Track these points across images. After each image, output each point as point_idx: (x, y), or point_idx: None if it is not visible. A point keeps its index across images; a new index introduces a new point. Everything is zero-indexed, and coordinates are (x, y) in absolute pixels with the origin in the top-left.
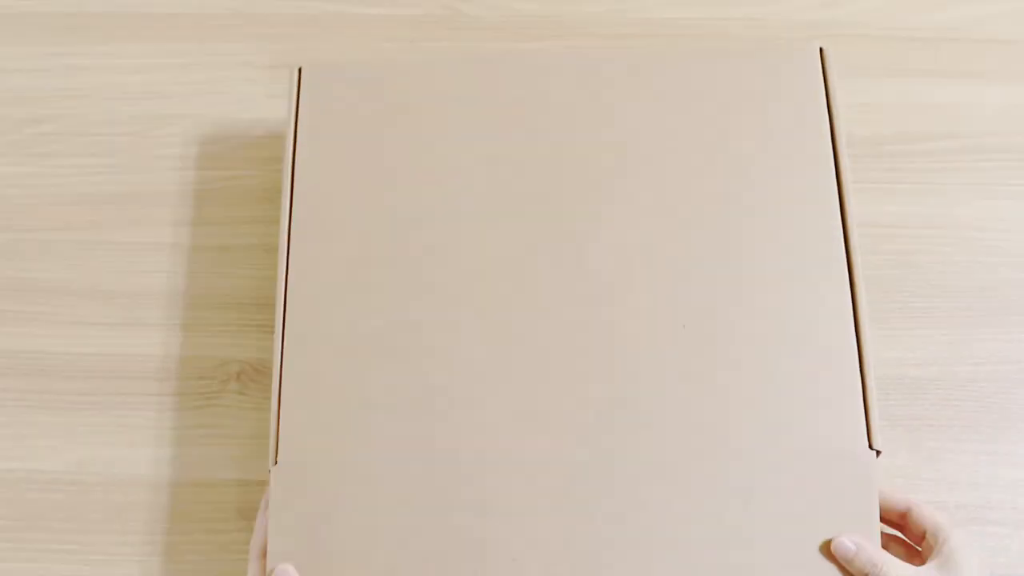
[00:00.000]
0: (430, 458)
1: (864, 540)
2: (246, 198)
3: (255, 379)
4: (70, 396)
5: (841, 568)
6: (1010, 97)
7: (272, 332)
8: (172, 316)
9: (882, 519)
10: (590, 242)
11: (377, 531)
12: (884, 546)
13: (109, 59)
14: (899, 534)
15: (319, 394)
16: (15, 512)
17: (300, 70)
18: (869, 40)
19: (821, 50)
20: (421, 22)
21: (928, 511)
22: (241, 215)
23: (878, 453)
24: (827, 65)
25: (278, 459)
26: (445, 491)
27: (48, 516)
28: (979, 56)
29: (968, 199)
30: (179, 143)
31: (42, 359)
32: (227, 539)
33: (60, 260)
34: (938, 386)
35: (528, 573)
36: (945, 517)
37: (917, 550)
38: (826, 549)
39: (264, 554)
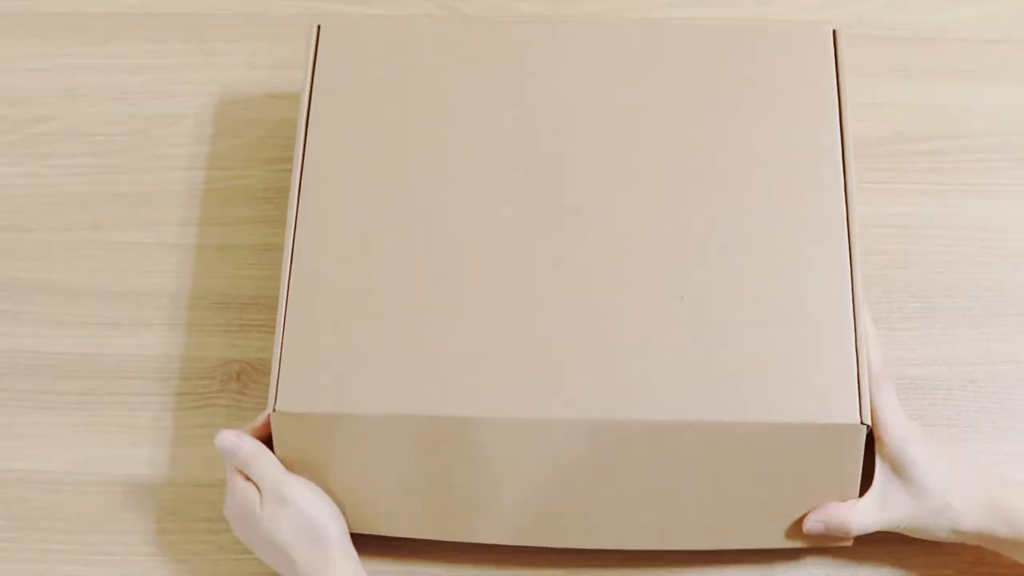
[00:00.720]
0: (430, 407)
1: (826, 511)
2: (246, 198)
3: (255, 379)
4: (70, 396)
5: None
6: (1010, 97)
7: (272, 333)
8: (172, 316)
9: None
10: (592, 222)
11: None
12: None
13: (109, 59)
14: None
15: (322, 344)
16: (15, 512)
17: (319, 28)
18: (869, 40)
19: (834, 32)
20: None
21: (890, 422)
22: (241, 215)
23: (869, 428)
24: (839, 48)
25: (276, 405)
26: (450, 453)
27: (48, 516)
28: (979, 56)
29: (968, 199)
30: (179, 143)
31: (42, 359)
32: (227, 539)
33: (60, 260)
34: (938, 386)
35: None
36: (905, 426)
37: None
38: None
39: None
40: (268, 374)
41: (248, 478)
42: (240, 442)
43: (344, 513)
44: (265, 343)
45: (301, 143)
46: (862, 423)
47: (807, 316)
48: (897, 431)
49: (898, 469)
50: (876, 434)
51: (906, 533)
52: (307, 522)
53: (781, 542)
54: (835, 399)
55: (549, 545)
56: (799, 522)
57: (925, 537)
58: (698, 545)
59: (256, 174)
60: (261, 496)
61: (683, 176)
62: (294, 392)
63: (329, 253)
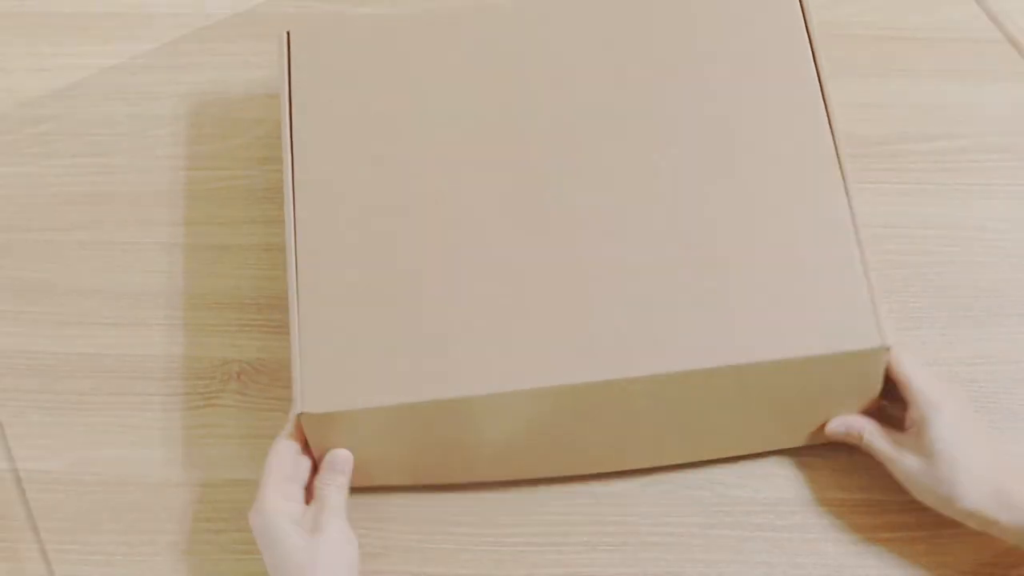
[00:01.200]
0: (442, 403)
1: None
2: (246, 198)
3: (255, 379)
4: (70, 396)
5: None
6: (1010, 97)
7: (272, 333)
8: (172, 316)
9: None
10: (592, 188)
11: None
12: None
13: (109, 59)
14: None
15: (336, 338)
16: (15, 512)
17: (288, 34)
18: (869, 40)
19: None
20: None
21: (920, 388)
22: (241, 215)
23: (888, 350)
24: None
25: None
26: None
27: (48, 516)
28: (979, 56)
29: (968, 199)
30: (179, 143)
31: (42, 359)
32: (227, 539)
33: (60, 260)
34: None
35: None
36: (936, 391)
37: None
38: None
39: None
40: (268, 374)
41: (283, 496)
42: (348, 467)
43: (359, 470)
44: (265, 343)
45: (288, 145)
46: (883, 345)
47: (814, 246)
48: (930, 396)
49: (920, 432)
50: (906, 398)
51: (907, 487)
52: (331, 554)
53: (799, 442)
54: (855, 324)
55: (573, 474)
56: (812, 426)
57: (926, 501)
58: (719, 455)
59: (256, 174)
60: (304, 512)
61: (672, 133)
62: (318, 393)
63: (331, 252)
